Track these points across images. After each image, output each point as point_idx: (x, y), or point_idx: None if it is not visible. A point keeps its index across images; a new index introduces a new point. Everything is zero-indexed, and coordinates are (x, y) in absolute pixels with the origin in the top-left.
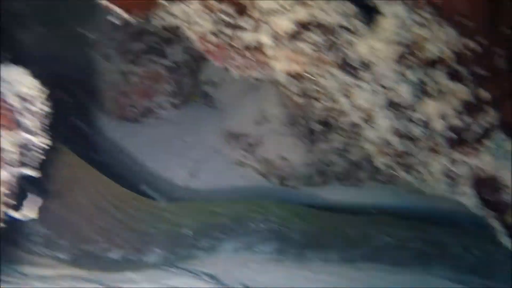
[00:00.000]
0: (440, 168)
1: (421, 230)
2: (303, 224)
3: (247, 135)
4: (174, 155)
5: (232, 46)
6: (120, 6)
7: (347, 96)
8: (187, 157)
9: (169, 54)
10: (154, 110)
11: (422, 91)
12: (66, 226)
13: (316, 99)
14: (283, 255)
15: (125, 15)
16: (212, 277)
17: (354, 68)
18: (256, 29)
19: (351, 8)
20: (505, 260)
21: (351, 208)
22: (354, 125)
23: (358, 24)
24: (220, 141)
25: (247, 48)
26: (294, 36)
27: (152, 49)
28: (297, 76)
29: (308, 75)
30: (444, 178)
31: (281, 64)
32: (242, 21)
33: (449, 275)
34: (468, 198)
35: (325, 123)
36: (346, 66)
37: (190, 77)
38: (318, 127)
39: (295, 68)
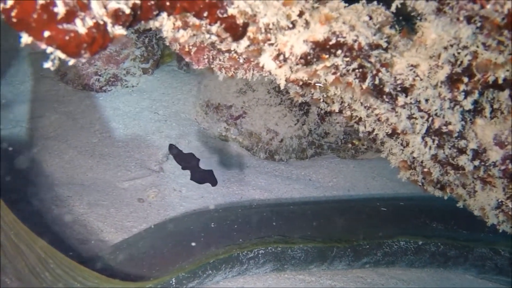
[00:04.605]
0: (491, 201)
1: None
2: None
3: (229, 106)
4: (145, 131)
5: (215, 46)
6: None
7: (367, 108)
8: (161, 133)
9: None
10: (122, 77)
11: (474, 112)
12: None
13: (325, 102)
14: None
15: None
16: None
17: (388, 94)
18: (255, 52)
19: (387, 15)
20: None
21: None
22: (371, 133)
23: (394, 37)
24: (198, 113)
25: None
26: (307, 60)
27: None
28: (301, 84)
29: (318, 85)
30: (496, 212)
31: (283, 70)
32: (237, 46)
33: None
34: None
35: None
36: (378, 93)
37: (162, 38)
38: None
39: (301, 76)
